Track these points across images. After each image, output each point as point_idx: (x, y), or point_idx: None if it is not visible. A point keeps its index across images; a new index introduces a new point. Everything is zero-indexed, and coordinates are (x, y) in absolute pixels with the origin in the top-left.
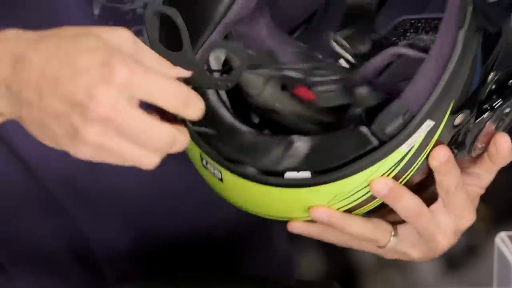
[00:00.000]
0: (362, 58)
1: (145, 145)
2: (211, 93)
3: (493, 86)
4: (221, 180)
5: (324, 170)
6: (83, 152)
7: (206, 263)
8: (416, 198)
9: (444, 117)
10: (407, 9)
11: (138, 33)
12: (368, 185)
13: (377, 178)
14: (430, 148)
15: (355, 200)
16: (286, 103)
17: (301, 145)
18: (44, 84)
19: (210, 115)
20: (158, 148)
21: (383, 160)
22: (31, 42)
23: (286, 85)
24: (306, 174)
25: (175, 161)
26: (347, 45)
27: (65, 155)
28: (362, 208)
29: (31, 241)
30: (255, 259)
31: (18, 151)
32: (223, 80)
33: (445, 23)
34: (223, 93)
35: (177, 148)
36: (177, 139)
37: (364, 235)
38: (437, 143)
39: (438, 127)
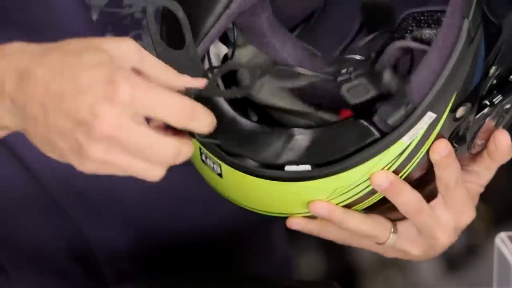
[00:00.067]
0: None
1: (150, 159)
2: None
3: (494, 81)
4: (220, 175)
5: (325, 162)
6: (88, 167)
7: (206, 263)
8: (416, 193)
9: (446, 109)
10: (409, 4)
11: (137, 38)
12: (368, 178)
13: (377, 172)
14: (431, 142)
15: (355, 195)
16: (285, 100)
17: (301, 137)
18: (49, 100)
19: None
20: (163, 162)
21: (385, 152)
22: (35, 56)
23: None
24: (306, 167)
25: (176, 164)
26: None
27: None
28: (361, 204)
29: (31, 242)
30: (255, 259)
31: (18, 152)
32: (233, 92)
33: (450, 13)
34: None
35: (181, 159)
36: (182, 152)
37: (363, 231)
38: (438, 137)
39: (440, 119)
